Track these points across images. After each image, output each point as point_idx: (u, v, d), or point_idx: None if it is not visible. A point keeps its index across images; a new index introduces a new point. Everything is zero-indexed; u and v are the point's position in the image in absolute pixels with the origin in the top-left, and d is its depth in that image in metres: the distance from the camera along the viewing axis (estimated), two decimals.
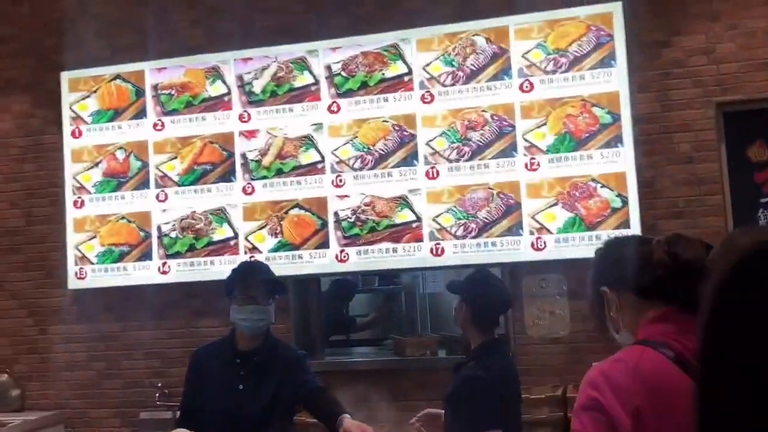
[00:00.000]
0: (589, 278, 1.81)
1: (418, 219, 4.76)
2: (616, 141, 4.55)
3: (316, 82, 5.00)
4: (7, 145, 5.50)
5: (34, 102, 5.48)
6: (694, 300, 1.53)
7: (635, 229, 4.41)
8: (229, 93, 5.12)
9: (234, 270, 3.39)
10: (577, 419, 1.56)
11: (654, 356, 1.56)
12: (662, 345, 1.57)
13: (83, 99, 5.33)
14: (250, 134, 5.06)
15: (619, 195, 4.53)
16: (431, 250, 4.72)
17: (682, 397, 1.45)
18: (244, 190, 5.03)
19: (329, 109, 4.96)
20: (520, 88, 4.70)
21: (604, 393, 1.52)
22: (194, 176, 5.11)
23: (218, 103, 5.13)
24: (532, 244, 4.62)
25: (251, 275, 3.27)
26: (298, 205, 4.95)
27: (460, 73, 4.80)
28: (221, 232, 5.04)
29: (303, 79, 5.02)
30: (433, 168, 4.77)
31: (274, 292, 3.27)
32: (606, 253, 1.80)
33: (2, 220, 5.45)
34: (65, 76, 5.34)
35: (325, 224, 4.89)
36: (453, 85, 4.80)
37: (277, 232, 4.96)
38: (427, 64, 4.86)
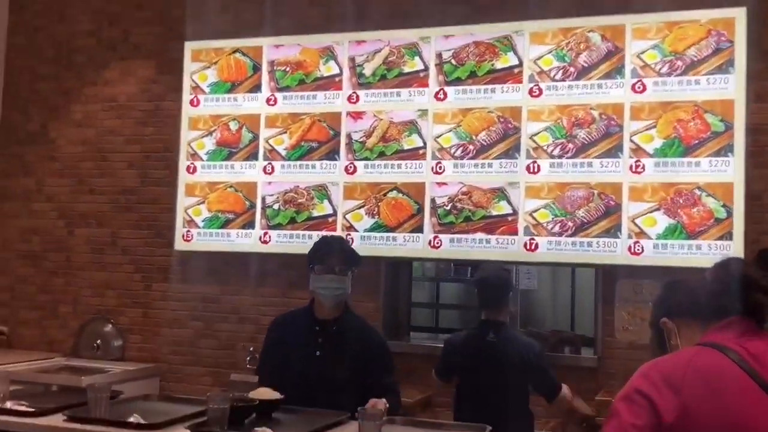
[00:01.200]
0: (650, 317, 1.90)
1: (515, 212, 4.82)
2: (727, 150, 4.48)
3: (426, 69, 5.12)
4: (130, 108, 5.88)
5: (158, 69, 5.84)
6: (753, 309, 1.60)
7: (738, 241, 4.34)
8: (340, 74, 5.30)
9: (315, 243, 3.69)
10: (616, 403, 1.65)
11: (711, 353, 1.63)
12: (722, 347, 1.64)
13: (203, 69, 5.63)
14: (357, 115, 5.24)
15: (724, 205, 4.46)
16: (525, 244, 4.78)
17: (737, 396, 1.52)
18: (346, 169, 5.22)
19: (436, 96, 5.08)
20: (632, 88, 4.68)
21: (652, 381, 1.60)
22: (301, 152, 5.34)
23: (329, 83, 5.33)
24: (630, 248, 4.61)
25: (328, 247, 3.55)
26: (396, 188, 5.10)
27: (572, 69, 4.82)
28: (321, 209, 5.25)
29: (413, 65, 5.15)
30: (534, 162, 4.82)
31: (350, 264, 3.48)
32: (663, 288, 1.86)
33: (120, 179, 5.85)
34: (188, 46, 5.66)
35: (421, 209, 5.02)
36: (563, 80, 4.82)
37: (374, 212, 5.13)
38: (539, 58, 4.89)
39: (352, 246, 4.03)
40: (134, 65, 5.91)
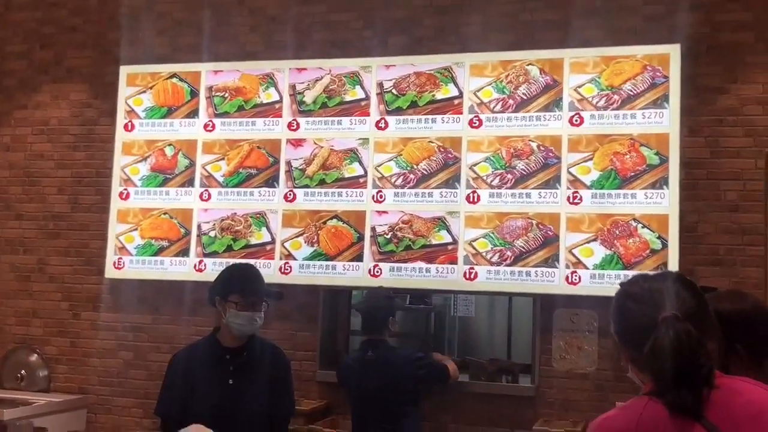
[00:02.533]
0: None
1: (455, 241, 4.80)
2: (662, 183, 4.55)
3: (367, 98, 5.08)
4: (62, 132, 5.68)
5: (92, 92, 5.67)
6: None
7: None
8: (280, 101, 5.23)
9: (231, 273, 3.47)
10: None
11: (658, 409, 1.55)
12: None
13: (139, 94, 5.49)
14: (297, 143, 5.16)
15: (659, 237, 4.52)
16: (465, 273, 4.75)
17: None
18: (285, 196, 5.12)
19: (377, 125, 5.04)
20: (570, 121, 4.73)
21: None
22: (238, 179, 5.22)
23: (269, 110, 5.24)
24: (567, 278, 4.62)
25: (252, 283, 3.34)
26: (336, 217, 5.02)
27: (511, 101, 4.85)
28: (259, 236, 5.13)
29: (354, 94, 5.12)
30: (474, 192, 4.81)
31: (270, 299, 3.36)
32: (618, 300, 1.75)
33: (49, 205, 5.63)
34: (124, 70, 5.51)
35: (361, 238, 4.95)
36: (502, 112, 4.85)
37: (314, 241, 5.04)
38: (479, 89, 4.91)
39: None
40: (67, 89, 5.72)
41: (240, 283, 3.32)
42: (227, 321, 3.27)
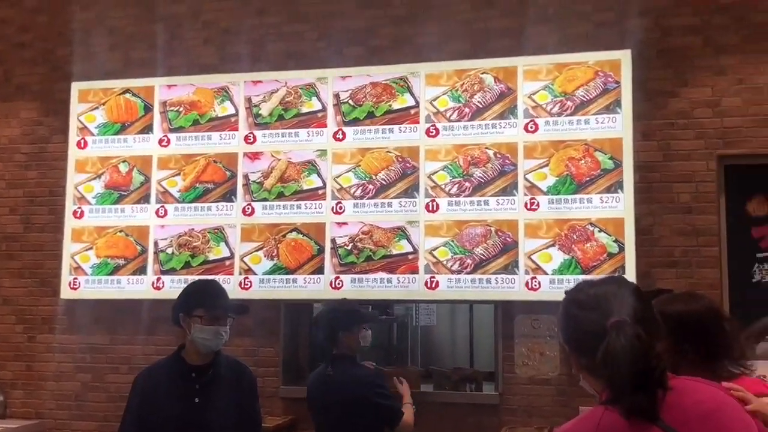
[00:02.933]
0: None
1: (415, 251, 4.79)
2: (617, 187, 4.59)
3: (324, 109, 5.07)
4: (12, 151, 5.57)
5: (43, 110, 5.57)
6: None
7: (630, 275, 4.43)
8: (236, 114, 5.19)
9: (194, 288, 3.43)
10: None
11: (614, 418, 1.55)
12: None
13: (91, 110, 5.41)
14: (255, 156, 5.12)
15: (616, 240, 4.56)
16: (426, 282, 4.74)
17: None
18: (243, 210, 5.07)
19: (334, 136, 5.02)
20: (525, 128, 4.76)
21: None
22: (195, 194, 5.16)
23: (225, 123, 5.20)
24: (527, 284, 4.64)
25: (216, 297, 3.30)
26: (296, 229, 4.99)
27: (467, 110, 4.87)
28: (217, 252, 5.07)
29: (310, 105, 5.10)
30: (433, 201, 4.81)
31: (235, 313, 3.31)
32: (565, 309, 1.71)
33: (1, 226, 5.50)
34: (75, 87, 5.44)
35: (321, 250, 4.92)
36: (458, 120, 4.86)
37: (274, 254, 4.99)
38: (435, 99, 4.93)
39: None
40: (17, 107, 5.61)
41: (203, 298, 3.27)
42: (192, 337, 3.21)
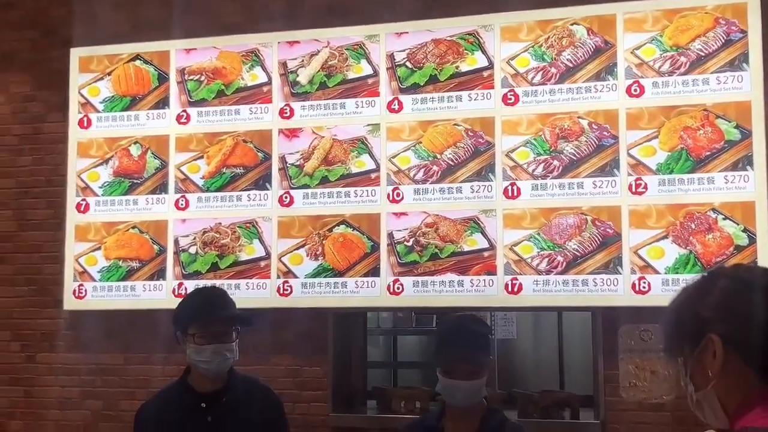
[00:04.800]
0: (685, 311, 1.68)
1: (492, 247, 4.75)
2: (745, 163, 4.50)
3: (375, 74, 5.04)
4: (1, 133, 5.64)
5: (36, 83, 5.63)
6: None
7: None
8: (269, 82, 5.19)
9: (188, 300, 3.42)
10: None
11: None
12: None
13: (95, 82, 5.45)
14: (292, 133, 5.12)
15: (745, 230, 4.47)
16: (506, 285, 4.70)
17: None
18: (280, 200, 5.08)
19: (389, 107, 5.00)
20: (628, 91, 4.68)
21: None
22: (222, 181, 5.19)
23: (256, 94, 5.21)
24: (634, 286, 4.57)
25: (211, 309, 3.28)
26: (344, 222, 4.98)
27: (553, 70, 4.80)
28: (250, 251, 5.09)
29: (359, 69, 5.08)
30: (513, 185, 4.76)
31: (238, 324, 3.30)
32: (732, 287, 1.66)
33: None
34: (75, 54, 5.48)
35: (376, 247, 4.90)
36: (543, 84, 4.80)
37: (318, 253, 4.99)
38: (513, 58, 4.87)
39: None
40: (5, 79, 5.68)
41: (196, 312, 3.26)
42: (190, 360, 3.23)
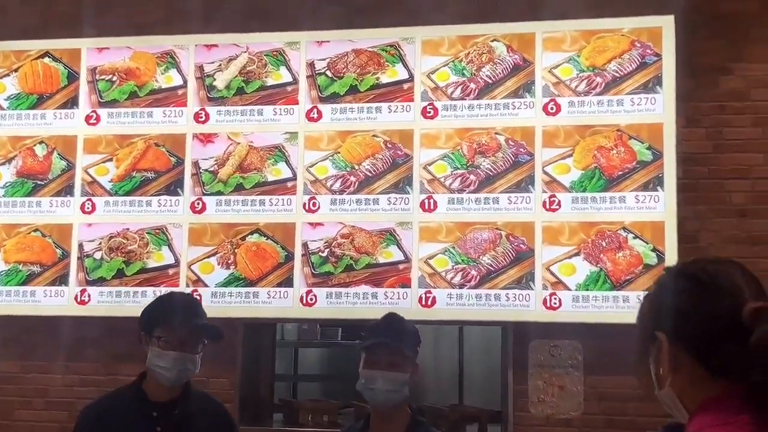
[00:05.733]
0: (642, 310, 1.67)
1: (407, 259, 4.69)
2: (656, 183, 4.55)
3: (295, 81, 4.96)
4: None
5: None
6: None
7: None
8: (184, 85, 5.06)
9: (159, 301, 3.27)
10: None
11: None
12: None
13: (1, 78, 5.25)
14: (207, 138, 5.00)
15: (654, 249, 4.51)
16: (420, 299, 4.64)
17: None
18: (192, 206, 4.94)
19: (308, 115, 4.92)
20: (545, 109, 4.69)
21: None
22: (132, 185, 5.02)
23: (170, 97, 5.07)
24: (545, 301, 4.56)
25: (183, 315, 3.11)
26: (258, 231, 4.87)
27: (472, 85, 4.79)
28: (158, 257, 4.93)
29: (278, 76, 4.99)
30: (430, 198, 4.72)
31: (208, 336, 3.17)
32: (679, 284, 1.64)
33: None
34: None
35: (290, 257, 4.80)
36: (462, 98, 4.79)
37: (230, 262, 4.86)
38: (433, 71, 4.85)
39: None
40: None
41: (166, 314, 3.09)
42: (148, 364, 3.06)
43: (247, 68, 5.02)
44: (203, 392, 3.34)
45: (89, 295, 4.95)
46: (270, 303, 4.79)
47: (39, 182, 5.11)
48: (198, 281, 4.86)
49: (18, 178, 5.13)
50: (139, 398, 3.10)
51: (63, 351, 4.96)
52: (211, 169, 4.96)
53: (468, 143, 4.74)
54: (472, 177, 4.72)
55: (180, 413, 3.08)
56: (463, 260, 4.65)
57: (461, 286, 4.63)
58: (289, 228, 4.84)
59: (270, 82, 4.99)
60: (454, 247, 4.68)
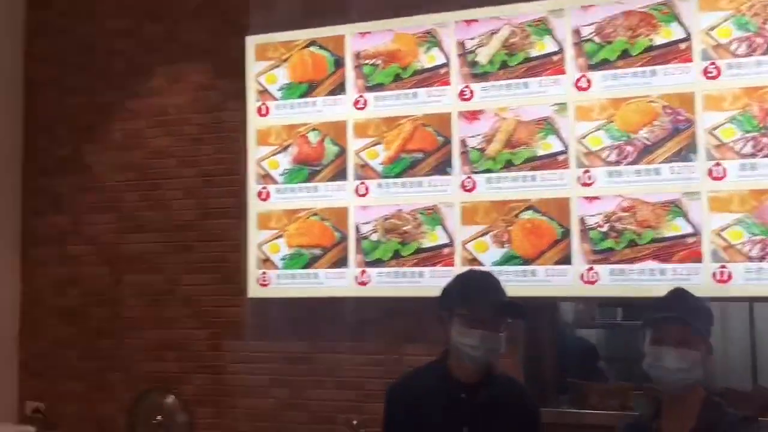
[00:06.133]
0: None
1: (696, 232, 4.40)
2: None
3: (560, 51, 4.75)
4: (182, 122, 5.65)
5: (214, 72, 5.59)
6: None
7: None
8: (447, 64, 4.99)
9: (460, 279, 3.29)
10: None
11: None
12: None
13: (272, 69, 5.36)
14: (473, 116, 4.90)
15: None
16: (713, 274, 4.34)
17: None
18: (463, 185, 4.88)
19: (577, 84, 4.70)
20: None
21: None
22: (401, 166, 5.02)
23: (433, 77, 5.01)
24: None
25: (487, 291, 3.12)
26: (532, 207, 4.74)
27: (760, 40, 4.39)
28: (433, 237, 4.92)
29: (543, 46, 4.80)
30: (718, 165, 4.39)
31: (514, 314, 3.12)
32: None
33: (174, 212, 5.62)
34: (251, 41, 5.40)
35: (567, 233, 4.64)
36: (749, 55, 4.40)
37: (504, 240, 4.77)
38: (713, 28, 4.48)
39: None
40: (184, 69, 5.68)
41: (472, 292, 3.12)
42: (453, 341, 3.05)
43: (510, 41, 4.86)
44: (508, 375, 3.31)
45: (369, 276, 5.02)
46: (549, 281, 4.65)
47: (314, 168, 5.22)
48: (474, 260, 4.80)
49: (295, 165, 5.26)
50: (444, 378, 3.11)
51: (348, 332, 5.07)
52: (479, 146, 4.86)
53: (759, 103, 4.35)
54: (765, 140, 4.33)
55: (488, 395, 3.06)
56: (761, 231, 4.30)
57: (760, 259, 4.29)
58: (564, 203, 4.67)
59: (534, 53, 4.80)
60: (749, 218, 4.32)
